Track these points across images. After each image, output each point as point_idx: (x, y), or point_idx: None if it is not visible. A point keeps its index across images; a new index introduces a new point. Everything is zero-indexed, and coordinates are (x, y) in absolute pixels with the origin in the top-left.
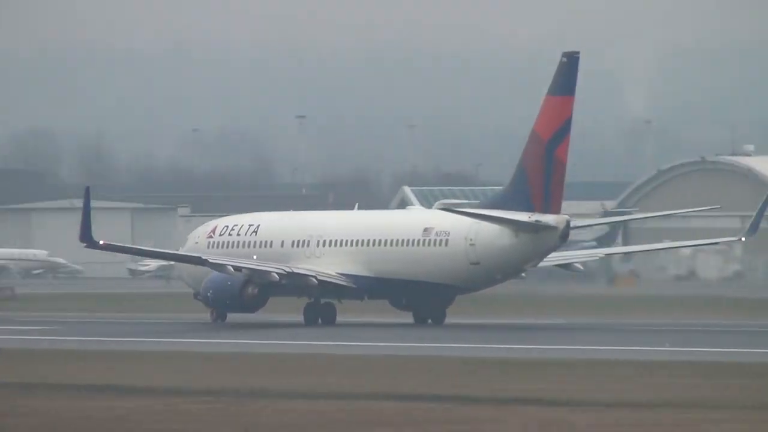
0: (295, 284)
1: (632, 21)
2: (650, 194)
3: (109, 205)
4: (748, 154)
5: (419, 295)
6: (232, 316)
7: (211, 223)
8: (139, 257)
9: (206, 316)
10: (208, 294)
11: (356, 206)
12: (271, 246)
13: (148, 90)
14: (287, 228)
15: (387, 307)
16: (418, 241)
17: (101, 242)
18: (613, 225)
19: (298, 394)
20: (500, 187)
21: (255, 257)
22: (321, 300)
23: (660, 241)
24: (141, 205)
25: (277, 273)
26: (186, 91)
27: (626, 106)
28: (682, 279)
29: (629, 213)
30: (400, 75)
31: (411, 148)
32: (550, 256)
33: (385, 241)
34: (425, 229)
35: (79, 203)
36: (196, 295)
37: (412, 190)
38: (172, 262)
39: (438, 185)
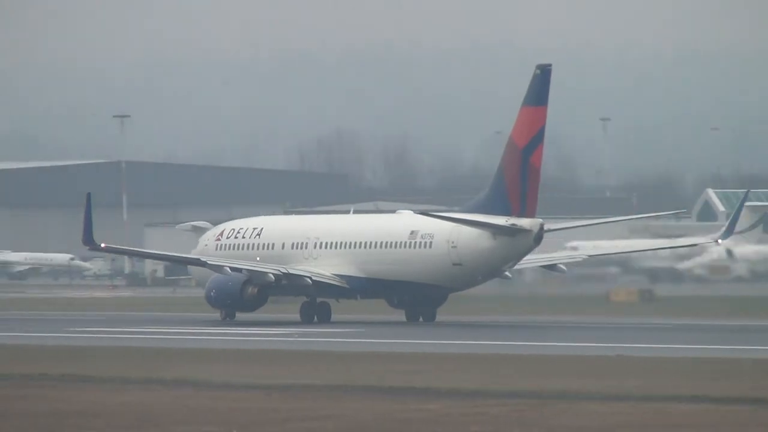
0: (292, 284)
1: None
2: None
3: (411, 207)
4: None
5: (407, 294)
6: (239, 315)
7: (220, 227)
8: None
9: (216, 315)
10: (211, 293)
11: (351, 210)
12: (272, 248)
13: (453, 91)
14: (288, 231)
15: (378, 305)
16: (405, 243)
17: (102, 245)
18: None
19: (599, 395)
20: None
21: (258, 258)
22: (317, 299)
23: None
24: (444, 208)
25: (273, 274)
26: (489, 92)
27: None
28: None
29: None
30: (703, 77)
31: (714, 150)
32: (536, 257)
33: (375, 243)
34: (411, 232)
35: (383, 206)
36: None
37: (715, 192)
38: None
39: (741, 187)
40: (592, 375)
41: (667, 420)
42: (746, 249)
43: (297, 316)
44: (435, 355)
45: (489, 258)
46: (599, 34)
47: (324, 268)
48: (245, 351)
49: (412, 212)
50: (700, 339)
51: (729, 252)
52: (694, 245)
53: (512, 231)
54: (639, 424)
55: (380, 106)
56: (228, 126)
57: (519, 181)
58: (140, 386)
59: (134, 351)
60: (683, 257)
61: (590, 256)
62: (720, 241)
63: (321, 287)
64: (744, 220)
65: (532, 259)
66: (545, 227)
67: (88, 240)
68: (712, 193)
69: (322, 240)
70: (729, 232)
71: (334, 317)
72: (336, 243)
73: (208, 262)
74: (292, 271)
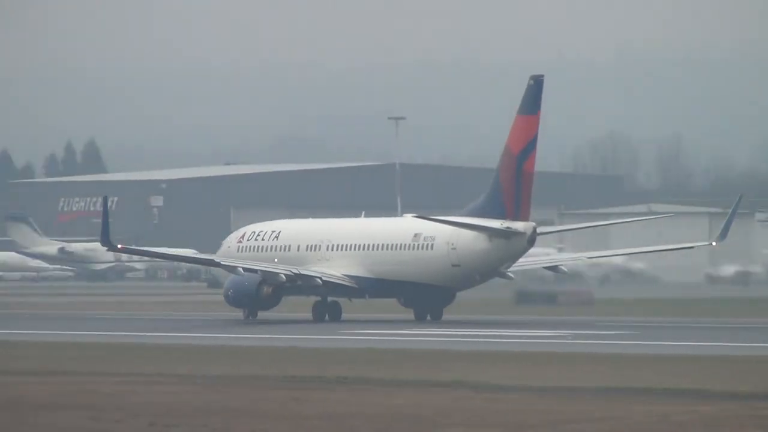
0: (304, 284)
1: None
2: None
3: (686, 209)
4: None
5: (411, 294)
6: (257, 314)
7: (242, 230)
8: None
9: (239, 314)
10: (229, 293)
11: (363, 214)
12: (289, 250)
13: (723, 93)
14: (303, 233)
15: (384, 304)
16: (409, 245)
17: (119, 246)
18: None
19: None
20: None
21: (276, 260)
22: (328, 298)
23: None
24: (719, 210)
25: (284, 274)
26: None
27: None
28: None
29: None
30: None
31: None
32: (538, 258)
33: (382, 245)
34: (415, 235)
35: (657, 208)
36: None
37: None
38: None
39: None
40: None
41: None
42: None
43: (309, 315)
44: (706, 357)
45: (486, 259)
46: None
47: (335, 268)
48: (514, 353)
49: (413, 216)
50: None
51: None
52: (690, 247)
53: (507, 233)
54: None
55: (652, 107)
56: (499, 128)
57: (514, 186)
58: (413, 388)
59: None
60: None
61: (590, 257)
62: (714, 243)
63: (331, 287)
64: None
65: (535, 261)
66: (538, 230)
67: (105, 241)
68: None
69: (334, 242)
70: (723, 235)
71: (345, 316)
72: (346, 245)
73: (222, 262)
74: (303, 272)
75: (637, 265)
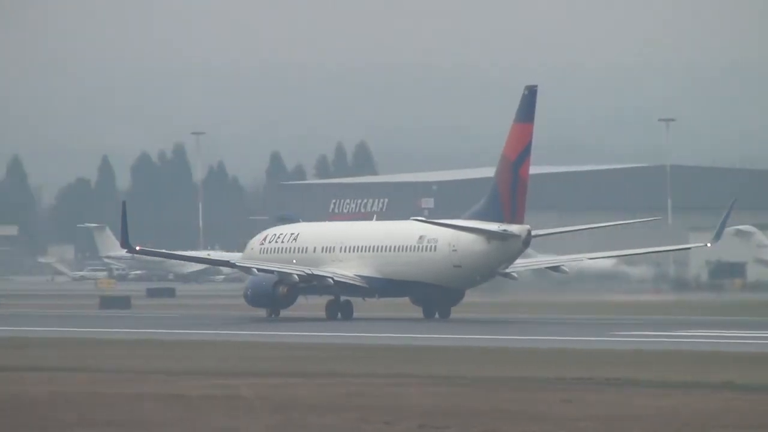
0: (318, 284)
1: None
2: None
3: None
4: None
5: (416, 293)
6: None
7: (264, 232)
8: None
9: (262, 313)
10: (248, 293)
11: (374, 217)
12: (306, 251)
13: None
14: (319, 236)
15: (390, 303)
16: (414, 247)
17: (137, 247)
18: None
19: None
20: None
21: (294, 261)
22: (341, 298)
23: None
24: None
25: (297, 275)
26: None
27: None
28: None
29: None
30: None
31: None
32: (541, 259)
33: (390, 247)
34: (420, 237)
35: None
36: None
37: None
38: None
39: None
40: None
41: None
42: None
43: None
44: None
45: (484, 260)
46: None
47: (348, 269)
48: None
49: (414, 219)
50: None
51: None
52: (687, 248)
53: (504, 236)
54: None
55: None
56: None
57: (510, 191)
58: (682, 390)
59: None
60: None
61: (589, 258)
62: (709, 244)
63: (343, 287)
64: None
65: (537, 262)
66: (532, 232)
67: (125, 243)
68: None
69: (347, 244)
70: (718, 237)
71: (356, 315)
72: (358, 247)
73: (237, 264)
74: (316, 272)
75: None
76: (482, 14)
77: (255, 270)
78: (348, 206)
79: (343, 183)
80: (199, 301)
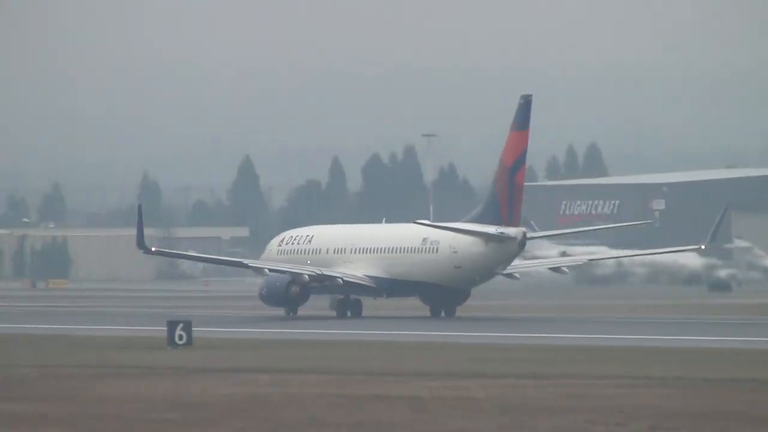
0: (329, 284)
1: None
2: None
3: None
4: None
5: (423, 293)
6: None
7: (282, 234)
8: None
9: (281, 312)
10: (263, 292)
11: (383, 220)
12: (319, 253)
13: None
14: (331, 238)
15: (394, 302)
16: (418, 249)
17: (153, 248)
18: None
19: None
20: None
21: (308, 262)
22: (350, 297)
23: None
24: None
25: (308, 275)
26: None
27: None
28: None
29: None
30: None
31: None
32: (543, 260)
33: (396, 249)
34: (423, 240)
35: None
36: None
37: None
38: None
39: None
40: None
41: None
42: None
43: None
44: None
45: (483, 261)
46: None
47: (357, 269)
48: None
49: (415, 222)
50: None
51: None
52: (682, 250)
53: (501, 238)
54: None
55: None
56: None
57: (507, 195)
58: None
59: None
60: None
61: (590, 260)
62: (703, 247)
63: (352, 286)
64: None
65: (539, 262)
66: (527, 235)
67: (140, 244)
68: None
69: (357, 246)
70: (712, 239)
71: (365, 313)
72: (367, 248)
73: (250, 264)
74: (326, 272)
75: None
76: None
77: (267, 270)
78: (578, 208)
79: (574, 185)
80: None
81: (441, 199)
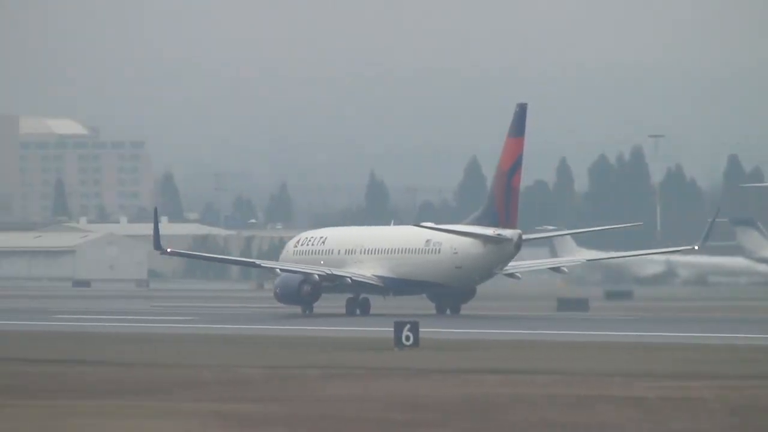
0: (339, 283)
1: None
2: None
3: None
4: None
5: (427, 292)
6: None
7: (297, 236)
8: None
9: (297, 309)
10: (277, 291)
11: (392, 222)
12: (332, 253)
13: None
14: (343, 239)
15: (398, 301)
16: (421, 250)
17: (168, 249)
18: None
19: None
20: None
21: (322, 262)
22: (360, 295)
23: None
24: None
25: (318, 275)
26: None
27: None
28: None
29: None
30: None
31: None
32: (542, 260)
33: (402, 249)
34: (426, 241)
35: None
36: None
37: None
38: None
39: None
40: None
41: None
42: None
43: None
44: None
45: (482, 262)
46: None
47: (366, 269)
48: None
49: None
50: None
51: None
52: (677, 251)
53: (498, 240)
54: None
55: None
56: None
57: (504, 198)
58: None
59: None
60: None
61: (588, 260)
62: (696, 247)
63: (361, 285)
64: None
65: (540, 263)
66: (523, 237)
67: (157, 245)
68: None
69: (366, 247)
70: (705, 240)
71: (373, 311)
72: (375, 249)
73: (262, 264)
74: (335, 272)
75: None
76: None
77: (278, 270)
78: None
79: None
80: (657, 304)
81: (668, 199)
